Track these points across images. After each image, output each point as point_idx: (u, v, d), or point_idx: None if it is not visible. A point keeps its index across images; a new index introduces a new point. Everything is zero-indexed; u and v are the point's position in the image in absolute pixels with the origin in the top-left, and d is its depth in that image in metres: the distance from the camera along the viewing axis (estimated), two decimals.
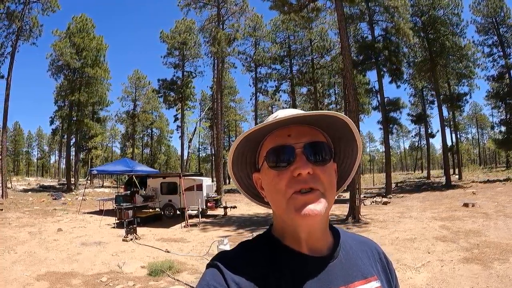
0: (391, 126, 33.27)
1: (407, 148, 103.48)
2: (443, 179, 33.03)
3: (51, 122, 45.94)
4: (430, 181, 39.03)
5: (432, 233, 10.89)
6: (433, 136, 49.66)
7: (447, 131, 51.47)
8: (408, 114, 53.42)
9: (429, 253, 8.66)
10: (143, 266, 8.54)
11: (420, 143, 70.22)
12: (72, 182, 40.56)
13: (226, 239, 9.12)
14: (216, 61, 34.77)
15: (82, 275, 8.06)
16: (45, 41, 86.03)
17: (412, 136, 78.52)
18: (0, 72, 28.10)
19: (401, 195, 24.77)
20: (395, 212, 16.29)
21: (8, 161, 59.28)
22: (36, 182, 50.17)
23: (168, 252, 10.14)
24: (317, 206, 0.85)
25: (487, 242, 9.33)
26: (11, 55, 28.34)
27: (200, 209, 16.79)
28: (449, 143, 40.38)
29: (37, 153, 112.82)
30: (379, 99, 31.45)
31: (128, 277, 7.86)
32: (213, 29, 32.59)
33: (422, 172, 67.18)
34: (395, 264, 5.91)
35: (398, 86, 32.00)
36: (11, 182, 39.47)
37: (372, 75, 68.83)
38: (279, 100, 51.07)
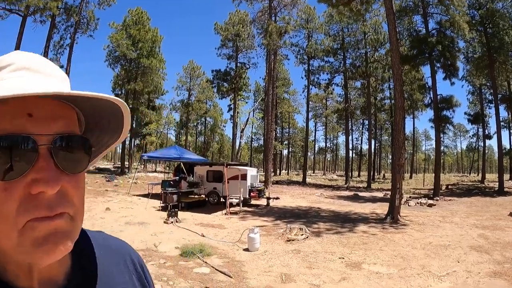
0: (443, 125, 31.92)
1: (464, 148, 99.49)
2: (498, 185, 31.43)
3: None
4: (483, 185, 37.16)
5: (468, 241, 10.38)
6: (490, 137, 46.94)
7: (505, 133, 49.02)
8: (466, 113, 51.17)
9: (458, 262, 8.28)
10: (177, 247, 8.89)
11: (478, 144, 67.16)
12: (126, 166, 42.31)
13: (257, 229, 9.31)
14: (268, 53, 34.87)
15: None
16: (102, 34, 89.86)
17: (469, 136, 75.42)
18: (60, 62, 29.66)
19: (449, 198, 23.74)
20: (437, 216, 15.67)
21: None
22: (93, 165, 52.67)
23: (203, 236, 10.47)
24: (67, 239, 0.59)
25: None
26: (70, 46, 29.94)
27: (242, 198, 17.07)
28: (507, 146, 38.42)
29: None
30: (431, 96, 30.29)
31: (161, 256, 8.24)
32: (266, 21, 32.72)
33: (478, 175, 64.21)
34: (419, 270, 6.48)
35: (452, 83, 30.42)
36: None
37: (425, 71, 66.28)
38: (332, 93, 50.55)
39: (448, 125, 32.80)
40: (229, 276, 6.96)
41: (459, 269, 7.68)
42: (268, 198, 19.46)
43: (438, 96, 29.00)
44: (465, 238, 10.85)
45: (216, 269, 7.33)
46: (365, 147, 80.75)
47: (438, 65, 28.93)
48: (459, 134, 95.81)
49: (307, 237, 10.50)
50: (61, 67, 29.79)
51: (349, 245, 9.84)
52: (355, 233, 11.60)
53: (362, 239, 10.62)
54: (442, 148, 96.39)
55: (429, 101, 31.62)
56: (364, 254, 8.88)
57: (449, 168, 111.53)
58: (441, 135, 35.26)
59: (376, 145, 59.14)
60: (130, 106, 42.95)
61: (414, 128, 65.57)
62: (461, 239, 10.69)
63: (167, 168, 48.24)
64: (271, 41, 30.56)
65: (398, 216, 14.21)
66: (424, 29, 29.66)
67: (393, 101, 50.74)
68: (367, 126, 69.20)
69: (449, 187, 34.58)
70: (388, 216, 14.42)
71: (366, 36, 39.73)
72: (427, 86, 31.82)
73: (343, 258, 8.48)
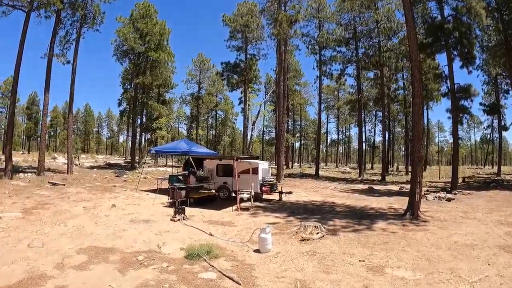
0: (461, 115, 30.77)
1: (478, 140, 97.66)
2: None
3: (119, 104, 47.97)
4: (500, 178, 35.92)
5: (495, 240, 9.65)
6: (506, 129, 45.46)
7: None
8: (481, 104, 49.34)
9: (489, 265, 7.54)
10: (182, 248, 8.27)
11: (492, 136, 65.47)
12: (136, 161, 42.06)
13: (269, 228, 8.57)
14: (278, 43, 34.04)
15: (121, 252, 8.06)
16: (109, 28, 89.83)
17: (484, 127, 73.74)
18: (66, 57, 29.27)
19: (468, 192, 22.74)
20: (458, 211, 14.90)
21: (77, 140, 62.85)
22: (103, 159, 52.81)
23: (211, 235, 9.81)
24: None
25: None
26: (76, 41, 29.46)
27: (254, 193, 16.33)
28: None
29: (107, 133, 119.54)
30: (448, 85, 29.12)
31: (164, 258, 7.64)
32: (275, 11, 31.81)
33: (492, 167, 62.75)
34: (448, 274, 5.32)
35: (469, 72, 29.14)
36: (78, 160, 41.76)
37: (441, 59, 64.94)
38: (344, 84, 49.57)
39: (466, 115, 31.65)
40: (238, 283, 6.27)
41: (491, 273, 6.98)
42: (281, 193, 18.72)
43: (456, 85, 27.88)
44: (491, 237, 10.14)
45: (223, 274, 6.66)
46: (377, 139, 80.00)
47: (455, 53, 27.82)
48: (473, 126, 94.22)
49: (322, 236, 9.75)
50: (68, 62, 29.41)
51: (369, 245, 9.10)
52: (374, 231, 10.82)
53: (382, 238, 9.86)
54: None
55: (446, 91, 30.43)
56: (385, 256, 8.14)
57: (462, 160, 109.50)
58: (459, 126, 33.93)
59: (390, 137, 58.00)
60: (140, 100, 42.99)
61: (428, 119, 64.30)
62: (487, 238, 9.97)
63: (178, 162, 47.91)
64: (281, 31, 29.69)
65: (418, 212, 13.42)
66: (439, 15, 28.50)
67: (406, 92, 49.89)
68: (380, 118, 68.44)
69: (466, 179, 33.47)
70: (407, 211, 13.61)
71: (379, 24, 38.54)
72: (443, 75, 30.56)
73: (364, 261, 7.75)
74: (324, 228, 10.48)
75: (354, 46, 40.92)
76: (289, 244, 9.14)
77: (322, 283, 6.42)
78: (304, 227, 10.05)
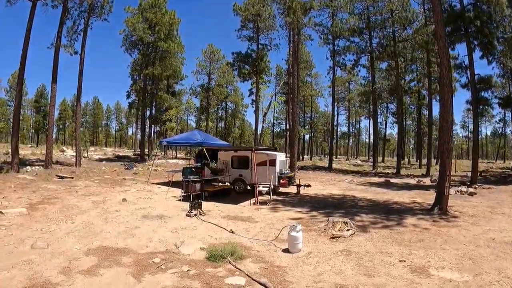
0: (480, 107, 29.69)
1: (489, 134, 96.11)
2: None
3: (128, 96, 47.46)
4: None
5: None
6: None
7: None
8: (496, 97, 48.20)
9: None
10: (202, 248, 7.49)
11: (504, 130, 64.09)
12: (146, 153, 41.59)
13: (299, 226, 7.74)
14: (291, 32, 33.13)
15: (134, 252, 7.24)
16: (118, 19, 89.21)
17: (495, 121, 72.19)
18: (74, 48, 28.53)
19: (488, 186, 22.04)
20: (484, 206, 14.22)
21: (86, 133, 62.62)
22: (112, 152, 52.39)
23: (232, 233, 9.01)
24: None
25: None
26: (83, 31, 28.72)
27: (272, 186, 15.55)
28: None
29: (116, 126, 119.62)
30: (468, 75, 28.04)
31: (183, 260, 6.85)
32: None
33: (504, 162, 61.52)
34: (496, 275, 6.23)
35: (489, 62, 28.20)
36: (87, 152, 41.30)
37: (460, 49, 63.71)
38: (357, 75, 48.66)
39: (487, 107, 30.64)
40: None
41: None
42: (299, 186, 17.91)
43: (476, 76, 26.86)
44: None
45: (253, 279, 5.84)
46: (388, 131, 78.96)
47: (476, 42, 26.76)
48: (484, 119, 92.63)
49: (353, 233, 8.93)
50: (75, 53, 28.70)
51: (405, 243, 8.33)
52: (405, 227, 10.08)
53: (416, 235, 9.09)
54: (466, 133, 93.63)
55: (466, 82, 29.37)
56: (426, 255, 7.40)
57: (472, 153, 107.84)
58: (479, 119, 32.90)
59: (405, 128, 57.01)
60: (149, 91, 42.43)
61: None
62: None
63: (188, 154, 47.36)
64: (295, 19, 28.74)
65: (447, 207, 12.65)
66: (458, 3, 27.39)
67: (421, 84, 48.79)
68: (391, 110, 67.34)
69: (482, 174, 32.54)
70: (435, 206, 12.87)
71: (394, 13, 37.45)
72: (463, 65, 29.46)
73: (404, 261, 6.97)
74: (353, 224, 9.69)
75: (368, 36, 39.91)
76: (319, 242, 8.33)
77: None
78: (332, 223, 9.26)
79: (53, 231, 8.70)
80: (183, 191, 14.45)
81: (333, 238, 8.57)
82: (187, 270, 6.27)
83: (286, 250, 7.57)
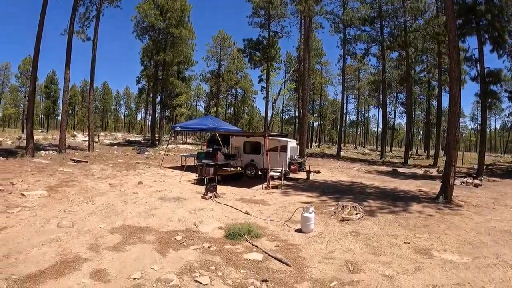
0: (489, 101, 29.77)
1: (498, 128, 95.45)
2: None
3: (138, 82, 47.95)
4: None
5: None
6: None
7: None
8: (505, 90, 47.99)
9: None
10: (220, 227, 8.01)
11: None
12: (156, 138, 42.15)
13: (312, 207, 8.25)
14: (303, 20, 33.19)
15: (156, 231, 7.73)
16: (130, 5, 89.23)
17: (505, 115, 71.76)
18: (86, 34, 28.89)
19: (493, 179, 22.29)
20: (488, 197, 14.54)
21: (96, 118, 63.22)
22: (122, 137, 53.02)
23: (247, 214, 9.53)
24: None
25: None
26: (96, 18, 29.05)
27: (283, 172, 16.02)
28: None
29: (125, 111, 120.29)
30: (478, 69, 28.11)
31: (203, 238, 7.35)
32: None
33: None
34: (494, 259, 6.70)
35: (500, 55, 28.21)
36: (98, 137, 41.97)
37: (471, 42, 63.28)
38: (367, 64, 48.66)
39: (495, 100, 30.72)
40: (287, 265, 5.96)
41: None
42: (309, 172, 18.33)
43: (485, 70, 26.97)
44: None
45: (270, 255, 6.35)
46: (397, 121, 78.88)
47: (486, 35, 26.80)
48: (494, 112, 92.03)
49: (362, 217, 9.42)
50: (88, 39, 29.07)
51: (409, 227, 8.81)
52: (411, 213, 10.53)
53: (420, 221, 9.55)
54: (475, 126, 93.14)
55: (476, 75, 29.43)
56: (429, 238, 7.88)
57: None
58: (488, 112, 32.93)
59: (414, 118, 56.96)
60: (160, 77, 42.82)
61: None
62: None
63: (197, 139, 47.83)
64: (306, 7, 28.83)
65: (451, 196, 13.08)
66: None
67: (431, 74, 48.65)
68: (400, 100, 67.26)
69: (489, 167, 32.73)
70: (440, 195, 13.27)
71: (405, 3, 37.35)
72: (474, 58, 29.51)
73: (409, 243, 7.45)
74: (362, 208, 10.18)
75: (379, 26, 39.96)
76: (329, 224, 8.83)
77: (373, 265, 6.13)
78: (342, 207, 9.75)
79: (76, 211, 9.09)
80: (197, 175, 14.99)
81: (342, 220, 9.07)
82: (208, 247, 6.75)
83: (299, 230, 8.07)
